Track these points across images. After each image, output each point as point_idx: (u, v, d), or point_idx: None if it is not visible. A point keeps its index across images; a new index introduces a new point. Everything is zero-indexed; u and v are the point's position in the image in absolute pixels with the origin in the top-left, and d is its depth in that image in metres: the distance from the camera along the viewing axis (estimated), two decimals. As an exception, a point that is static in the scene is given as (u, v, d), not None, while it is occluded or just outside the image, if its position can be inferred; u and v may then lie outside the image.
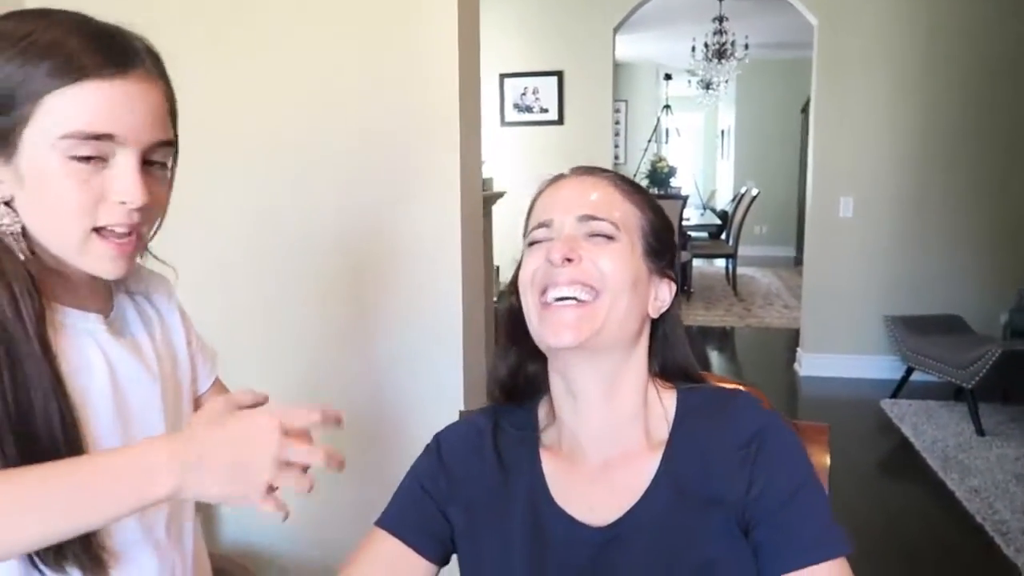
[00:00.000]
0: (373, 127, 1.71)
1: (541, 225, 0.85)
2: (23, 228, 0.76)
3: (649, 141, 9.47)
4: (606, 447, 0.85)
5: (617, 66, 5.12)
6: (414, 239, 1.73)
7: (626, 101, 9.60)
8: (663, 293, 0.87)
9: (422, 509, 0.90)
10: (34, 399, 0.73)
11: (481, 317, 1.90)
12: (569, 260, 0.80)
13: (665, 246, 0.87)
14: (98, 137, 0.73)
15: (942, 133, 4.38)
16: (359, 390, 1.80)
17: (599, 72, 4.83)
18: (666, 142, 9.85)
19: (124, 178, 0.75)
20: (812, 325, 4.72)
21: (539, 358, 0.93)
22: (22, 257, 0.76)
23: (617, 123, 5.29)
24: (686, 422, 0.85)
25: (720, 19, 6.32)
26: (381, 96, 1.70)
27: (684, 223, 7.17)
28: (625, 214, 0.85)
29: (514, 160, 4.77)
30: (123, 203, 0.75)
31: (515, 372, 0.93)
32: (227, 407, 0.71)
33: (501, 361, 0.93)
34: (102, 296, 0.88)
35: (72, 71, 0.72)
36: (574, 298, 0.80)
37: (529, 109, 4.92)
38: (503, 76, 4.89)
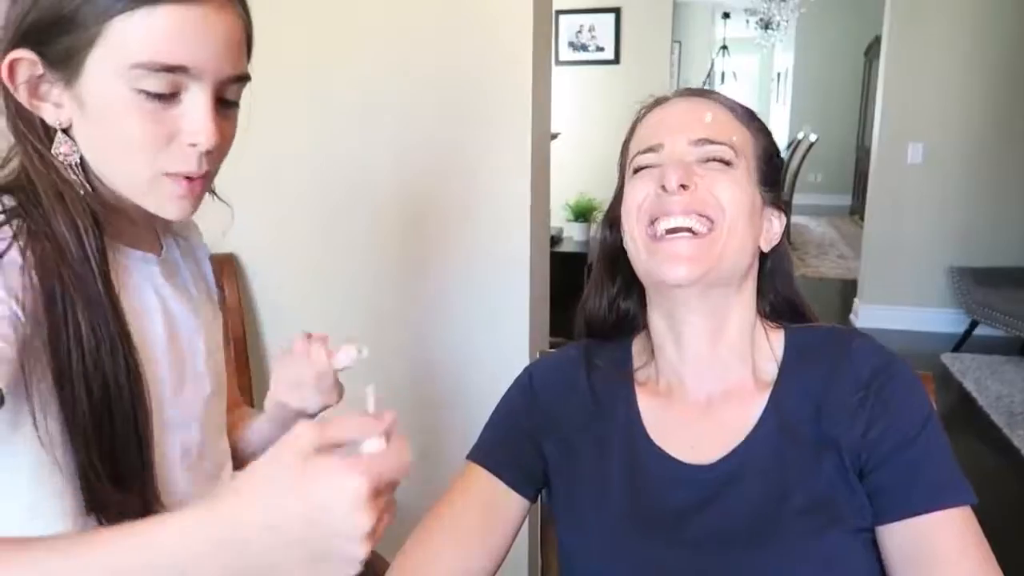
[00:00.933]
0: (443, 62, 1.65)
1: (649, 150, 0.80)
2: (81, 159, 0.71)
3: (703, 84, 9.20)
4: (710, 385, 0.82)
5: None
6: (483, 178, 1.68)
7: (680, 42, 9.28)
8: (775, 225, 0.83)
9: (516, 443, 0.88)
10: (101, 345, 0.69)
11: (546, 261, 1.86)
12: (684, 187, 0.75)
13: (778, 174, 0.83)
14: (172, 69, 0.66)
15: (1024, 76, 4.15)
16: (424, 333, 1.78)
17: (658, 10, 4.65)
18: (722, 83, 9.56)
19: (196, 116, 0.68)
20: (872, 276, 4.58)
21: (633, 294, 0.90)
22: (81, 192, 0.71)
23: (671, 65, 5.10)
24: (796, 362, 0.81)
25: (785, -46, 6.04)
26: (453, 30, 1.64)
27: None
28: (742, 138, 0.80)
29: (568, 100, 4.65)
30: (193, 145, 0.69)
31: (611, 308, 0.90)
32: (305, 450, 0.48)
33: (596, 297, 0.90)
34: (153, 236, 0.84)
35: None
36: (688, 229, 0.75)
37: (584, 48, 4.76)
38: (558, 12, 4.73)
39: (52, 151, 0.70)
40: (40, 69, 0.67)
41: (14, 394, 0.64)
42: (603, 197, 4.33)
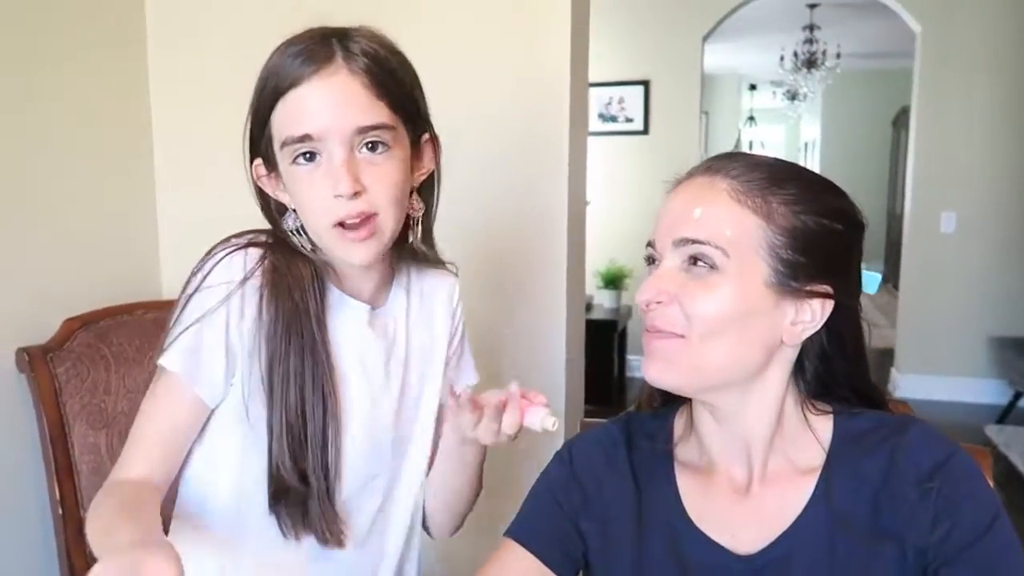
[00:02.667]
0: (484, 130, 1.69)
1: (649, 244, 0.78)
2: (302, 226, 0.88)
3: (730, 153, 9.27)
4: (746, 467, 0.79)
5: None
6: (519, 245, 1.69)
7: (707, 113, 9.42)
8: (808, 314, 0.74)
9: (555, 522, 0.85)
10: (305, 362, 0.85)
11: (582, 328, 1.85)
12: (659, 302, 0.74)
13: (818, 257, 0.73)
14: (300, 139, 0.81)
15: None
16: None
17: (686, 82, 4.73)
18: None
19: (330, 171, 0.82)
20: (909, 345, 4.51)
21: None
22: (303, 251, 0.89)
23: (699, 135, 5.17)
24: (848, 449, 0.77)
25: (811, 27, 6.15)
26: (489, 104, 1.68)
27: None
28: (742, 231, 0.71)
29: (598, 170, 4.72)
30: (338, 195, 0.82)
31: None
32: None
33: None
34: (376, 288, 0.96)
35: (280, 89, 0.82)
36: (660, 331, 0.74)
37: (614, 119, 4.85)
38: (589, 85, 4.84)
39: (282, 223, 0.90)
40: (264, 170, 0.89)
41: (235, 385, 0.86)
42: (633, 264, 4.35)
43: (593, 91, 4.82)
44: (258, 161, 0.89)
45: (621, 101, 4.83)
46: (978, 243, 4.27)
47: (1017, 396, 3.92)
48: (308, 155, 0.82)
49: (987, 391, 4.24)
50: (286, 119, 0.82)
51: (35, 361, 1.38)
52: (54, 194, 1.51)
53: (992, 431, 3.84)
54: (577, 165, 1.73)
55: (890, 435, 0.76)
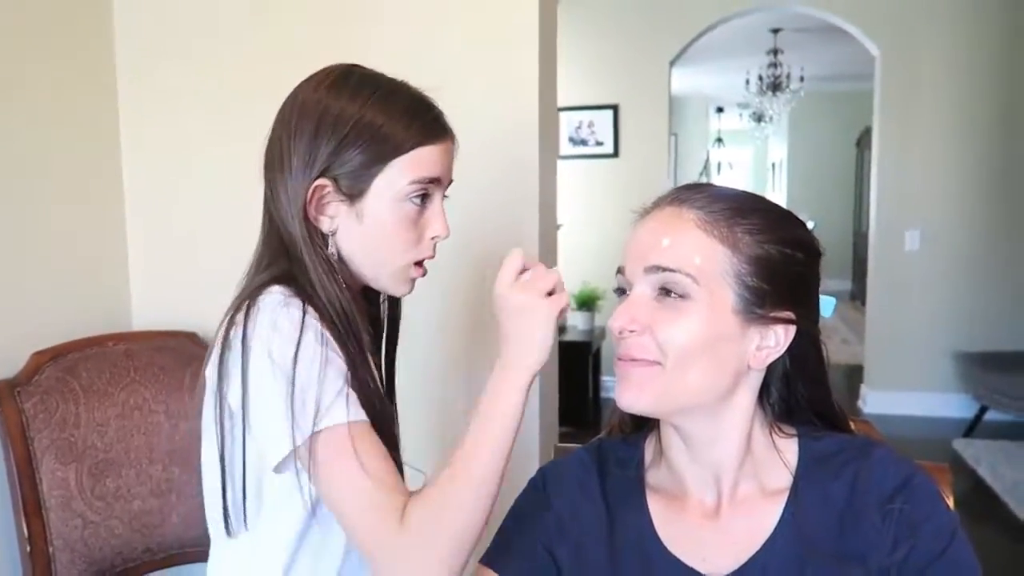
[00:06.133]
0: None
1: (619, 271, 0.80)
2: (338, 253, 0.94)
3: (700, 175, 9.41)
4: (716, 491, 0.81)
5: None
6: (491, 271, 1.70)
7: (676, 135, 9.56)
8: (772, 339, 0.76)
9: (528, 547, 0.86)
10: (365, 378, 0.91)
11: (556, 354, 1.86)
12: (632, 331, 0.75)
13: (780, 284, 0.75)
14: (432, 181, 0.93)
15: (1017, 162, 4.25)
16: (432, 429, 1.77)
17: (655, 105, 4.80)
18: (719, 173, 9.77)
19: (437, 216, 0.95)
20: (877, 362, 4.58)
21: None
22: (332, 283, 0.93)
23: (668, 157, 5.23)
24: (813, 472, 0.79)
25: (775, 52, 6.28)
26: (459, 130, 1.69)
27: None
28: (709, 259, 0.74)
29: (569, 193, 4.75)
30: (434, 238, 0.95)
31: None
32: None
33: None
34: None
35: (417, 139, 0.92)
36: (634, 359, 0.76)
37: (584, 142, 4.90)
38: (559, 110, 4.89)
39: (328, 249, 0.93)
40: (329, 192, 0.91)
41: None
42: (605, 286, 4.38)
43: (563, 115, 4.88)
44: (323, 180, 0.91)
45: (591, 125, 4.88)
46: (942, 260, 4.36)
47: (983, 410, 3.99)
48: (423, 197, 0.93)
49: (954, 405, 4.31)
50: (425, 162, 0.92)
51: (2, 396, 1.36)
52: (20, 226, 1.49)
53: (960, 445, 3.91)
54: (548, 189, 1.75)
55: (853, 457, 0.78)
